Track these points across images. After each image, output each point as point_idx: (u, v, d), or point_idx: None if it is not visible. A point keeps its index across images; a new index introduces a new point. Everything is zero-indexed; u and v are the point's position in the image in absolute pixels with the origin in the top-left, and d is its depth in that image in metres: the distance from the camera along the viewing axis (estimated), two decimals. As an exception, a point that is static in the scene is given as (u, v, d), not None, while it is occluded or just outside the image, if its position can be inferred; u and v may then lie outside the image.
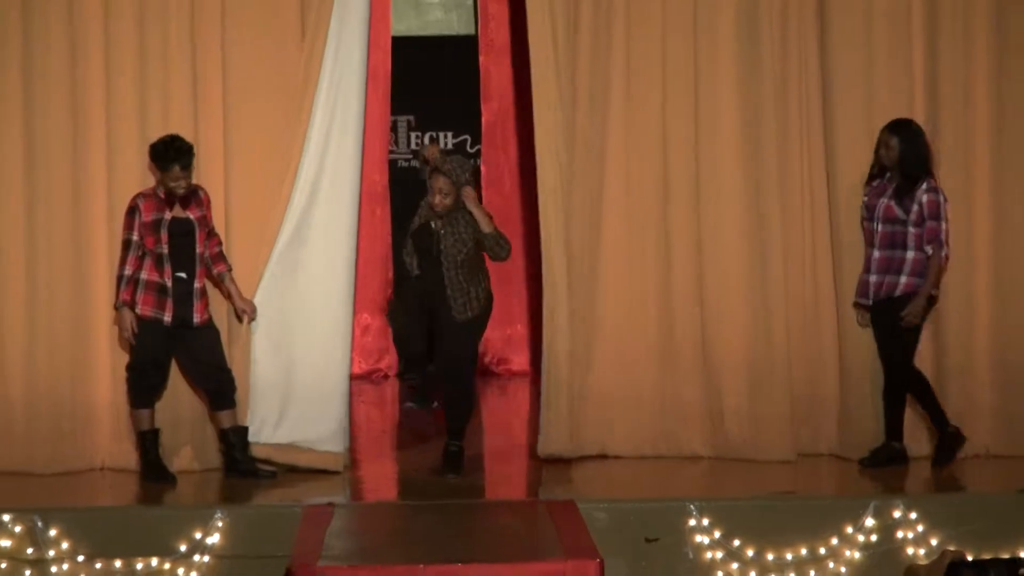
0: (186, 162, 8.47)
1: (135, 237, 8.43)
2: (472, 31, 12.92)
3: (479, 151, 12.84)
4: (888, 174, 8.54)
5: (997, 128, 9.12)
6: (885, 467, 8.55)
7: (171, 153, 8.46)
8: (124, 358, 8.69)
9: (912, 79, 9.11)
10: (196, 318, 8.52)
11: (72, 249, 8.89)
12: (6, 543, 7.50)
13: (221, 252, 8.67)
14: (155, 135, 8.61)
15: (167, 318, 8.46)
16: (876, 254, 8.51)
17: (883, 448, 8.66)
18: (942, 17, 9.08)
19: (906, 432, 8.68)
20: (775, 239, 9.04)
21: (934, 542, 7.55)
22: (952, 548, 7.42)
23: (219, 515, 7.56)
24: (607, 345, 9.11)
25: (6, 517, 7.54)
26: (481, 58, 12.63)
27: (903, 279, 8.43)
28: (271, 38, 8.87)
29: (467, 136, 13.05)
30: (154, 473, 8.54)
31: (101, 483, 8.66)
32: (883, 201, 8.48)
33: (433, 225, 8.55)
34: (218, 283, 8.69)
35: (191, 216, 8.57)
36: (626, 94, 9.10)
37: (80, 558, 7.49)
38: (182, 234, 8.51)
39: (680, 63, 9.10)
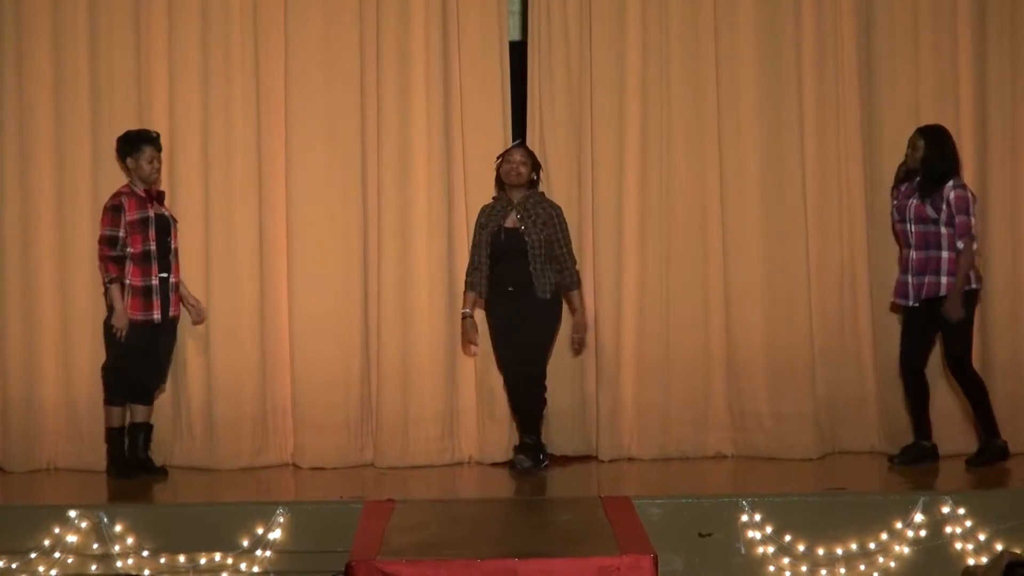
0: (157, 144, 8.55)
1: (120, 233, 8.44)
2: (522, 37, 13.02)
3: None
4: (917, 178, 8.57)
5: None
6: (915, 464, 8.60)
7: (142, 134, 8.56)
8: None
9: (958, 80, 9.16)
10: (172, 311, 8.64)
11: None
12: (73, 539, 7.59)
13: None
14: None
15: (157, 317, 8.52)
16: (913, 255, 8.52)
17: (912, 446, 8.73)
18: (989, 16, 9.13)
19: (936, 429, 8.75)
20: (803, 240, 9.10)
21: (982, 537, 7.58)
22: (1005, 548, 7.48)
23: (280, 511, 7.61)
24: (629, 350, 9.15)
25: (72, 513, 7.63)
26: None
27: (944, 279, 8.44)
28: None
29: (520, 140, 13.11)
30: (120, 469, 8.64)
31: (162, 480, 8.73)
32: (912, 202, 8.51)
33: (505, 223, 8.62)
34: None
35: (166, 213, 8.65)
36: (643, 97, 9.14)
37: (145, 553, 7.58)
38: (163, 231, 8.57)
39: (701, 59, 9.18)
